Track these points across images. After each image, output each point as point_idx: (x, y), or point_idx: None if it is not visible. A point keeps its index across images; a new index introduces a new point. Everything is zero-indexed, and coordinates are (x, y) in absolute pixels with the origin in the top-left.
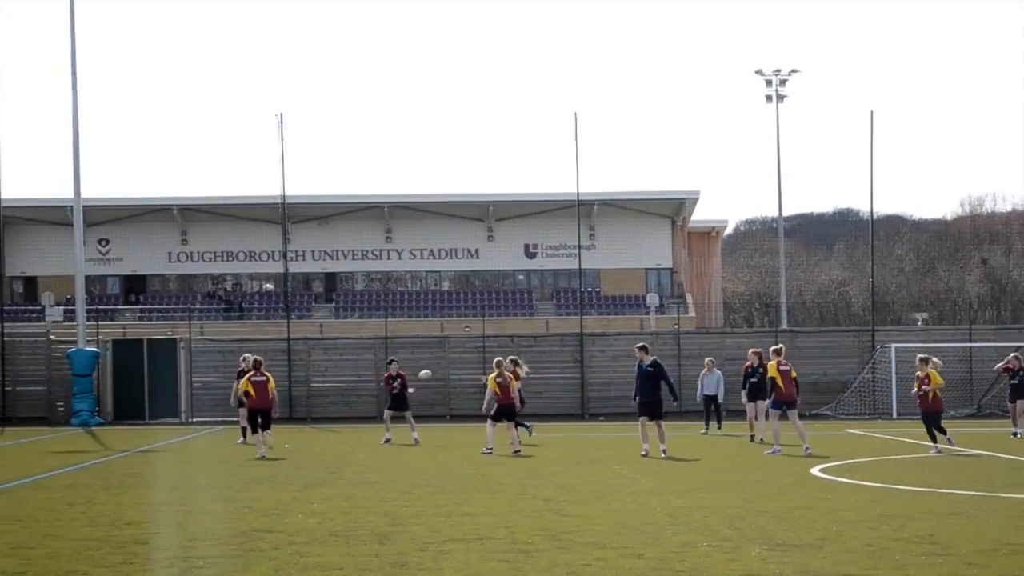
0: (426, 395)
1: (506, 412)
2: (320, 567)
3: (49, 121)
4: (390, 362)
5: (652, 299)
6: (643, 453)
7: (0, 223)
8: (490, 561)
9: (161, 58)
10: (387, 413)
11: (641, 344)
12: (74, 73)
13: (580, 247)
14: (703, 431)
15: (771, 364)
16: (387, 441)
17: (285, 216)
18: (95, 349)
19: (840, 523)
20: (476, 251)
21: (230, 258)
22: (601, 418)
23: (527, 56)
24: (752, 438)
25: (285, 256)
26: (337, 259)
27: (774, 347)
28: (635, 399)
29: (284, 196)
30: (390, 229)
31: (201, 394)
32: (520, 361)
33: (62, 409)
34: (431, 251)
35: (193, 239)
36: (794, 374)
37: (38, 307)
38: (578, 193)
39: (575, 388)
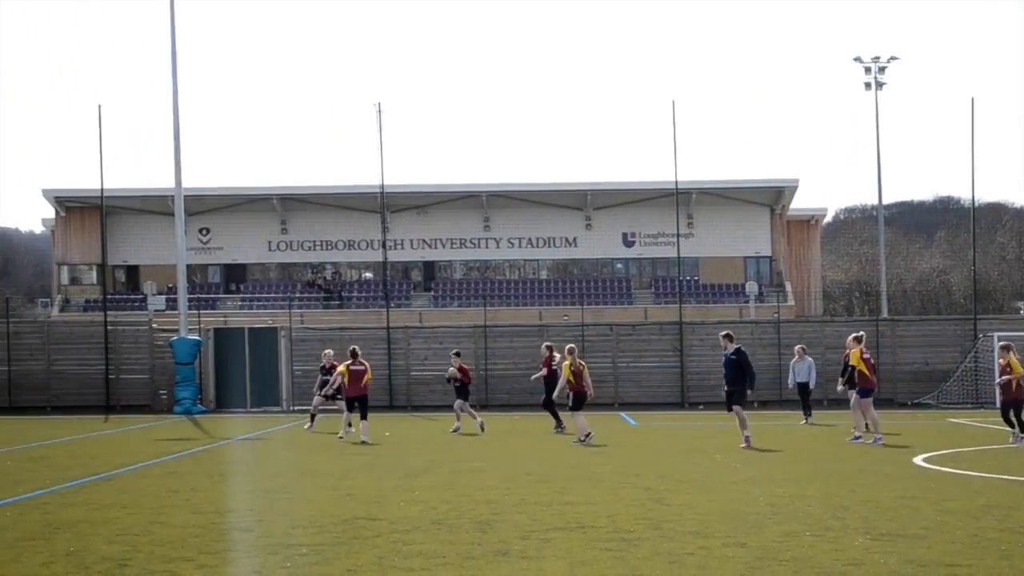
0: (527, 384)
1: (580, 400)
2: (422, 555)
3: (150, 111)
4: (456, 354)
5: (751, 288)
6: (743, 445)
7: (103, 213)
8: (592, 550)
9: (261, 47)
10: (461, 403)
11: (725, 332)
12: (174, 63)
13: (679, 235)
14: (803, 421)
15: (854, 352)
16: (482, 427)
17: (384, 205)
18: (197, 338)
19: (944, 513)
20: (574, 240)
21: (329, 247)
22: (701, 407)
23: (625, 43)
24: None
25: (384, 245)
26: (436, 248)
27: (854, 335)
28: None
29: (383, 185)
30: (488, 218)
31: (301, 382)
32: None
33: (165, 397)
34: (529, 240)
35: (293, 228)
36: (872, 361)
37: (140, 296)
38: (676, 181)
39: (675, 377)
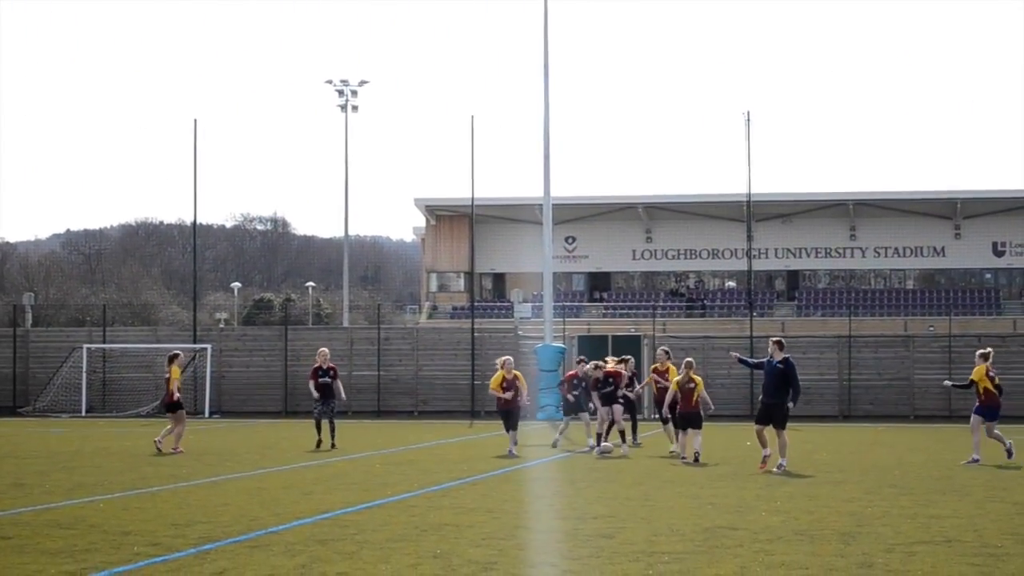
0: (889, 394)
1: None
2: (785, 566)
3: (519, 119)
4: (579, 361)
5: None
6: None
7: (472, 222)
8: (959, 564)
9: (627, 57)
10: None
11: (776, 339)
12: (546, 74)
13: None
14: None
15: (981, 370)
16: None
17: (750, 214)
18: (561, 345)
19: None
20: (942, 249)
21: (693, 256)
22: None
23: (988, 49)
24: None
25: (749, 254)
26: (800, 257)
27: (981, 351)
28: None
29: (749, 193)
30: (854, 226)
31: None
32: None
33: (528, 403)
34: (896, 249)
35: (657, 237)
36: (997, 380)
37: (507, 303)
38: None
39: None
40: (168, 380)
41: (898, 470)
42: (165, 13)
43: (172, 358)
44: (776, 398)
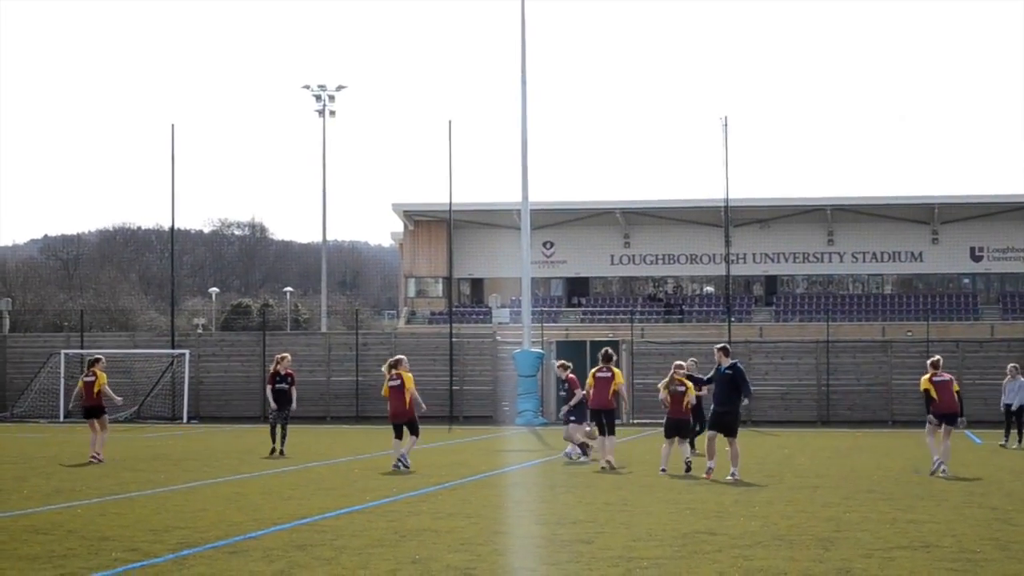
0: (868, 399)
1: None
2: (763, 571)
3: (496, 124)
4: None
5: None
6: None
7: (450, 227)
8: (937, 570)
9: (605, 62)
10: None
11: (721, 345)
12: (524, 80)
13: None
14: (1001, 442)
15: (924, 378)
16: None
17: (728, 219)
18: (539, 350)
19: None
20: (919, 254)
21: (671, 261)
22: None
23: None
24: None
25: (727, 259)
26: (778, 262)
27: (931, 359)
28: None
29: (727, 199)
30: (832, 232)
31: (642, 396)
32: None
33: (507, 408)
34: (873, 254)
35: (635, 242)
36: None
37: (485, 308)
38: None
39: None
40: (94, 384)
41: (877, 475)
42: (143, 19)
43: (96, 361)
44: (728, 406)
